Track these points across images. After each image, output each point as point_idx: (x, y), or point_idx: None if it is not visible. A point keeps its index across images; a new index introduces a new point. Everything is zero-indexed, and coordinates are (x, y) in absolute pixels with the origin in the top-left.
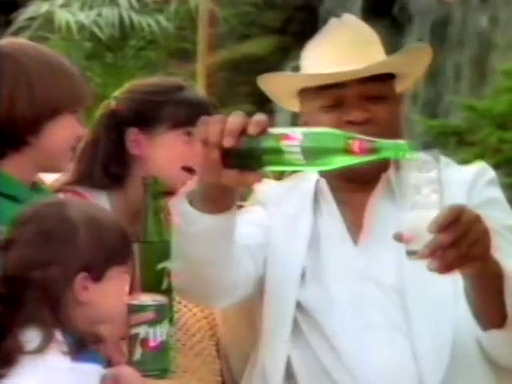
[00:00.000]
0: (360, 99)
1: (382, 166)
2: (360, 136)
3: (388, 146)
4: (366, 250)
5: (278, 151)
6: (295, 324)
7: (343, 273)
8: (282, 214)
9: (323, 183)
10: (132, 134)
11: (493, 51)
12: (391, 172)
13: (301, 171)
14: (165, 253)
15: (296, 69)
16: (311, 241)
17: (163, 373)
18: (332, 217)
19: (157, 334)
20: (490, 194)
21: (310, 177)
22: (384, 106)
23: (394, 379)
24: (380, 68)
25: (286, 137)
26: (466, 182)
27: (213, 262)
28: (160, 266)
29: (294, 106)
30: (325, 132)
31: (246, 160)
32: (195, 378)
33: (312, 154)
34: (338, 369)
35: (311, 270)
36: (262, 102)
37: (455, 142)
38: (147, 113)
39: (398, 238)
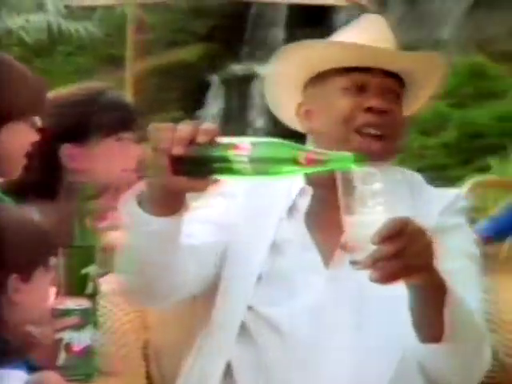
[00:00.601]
0: (383, 89)
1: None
2: (307, 148)
3: (335, 158)
4: (337, 270)
5: (227, 160)
6: (242, 326)
7: (304, 281)
8: (252, 207)
9: (308, 190)
10: (66, 150)
11: None
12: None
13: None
14: (89, 257)
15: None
16: (275, 244)
17: (88, 377)
18: (301, 225)
19: (81, 339)
20: (459, 221)
21: (296, 178)
22: (398, 106)
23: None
24: (419, 60)
25: (234, 146)
26: (441, 204)
27: (158, 264)
28: (84, 270)
29: (290, 97)
30: (273, 142)
31: (194, 167)
32: (120, 382)
33: (260, 163)
34: (288, 370)
35: (269, 274)
36: (191, 109)
37: None
38: (77, 126)
39: (344, 247)
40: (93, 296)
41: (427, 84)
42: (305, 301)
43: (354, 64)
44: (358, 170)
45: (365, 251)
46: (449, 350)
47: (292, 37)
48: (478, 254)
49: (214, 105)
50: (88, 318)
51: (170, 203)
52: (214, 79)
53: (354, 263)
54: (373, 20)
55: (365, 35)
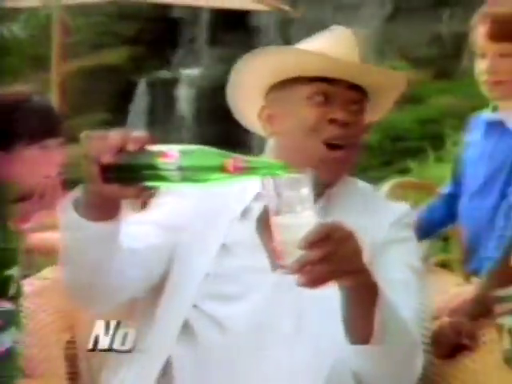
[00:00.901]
0: (348, 101)
1: (331, 181)
2: (235, 155)
3: (262, 165)
4: (282, 276)
5: (155, 168)
6: (185, 324)
7: (251, 283)
8: (204, 208)
9: (263, 196)
10: None
11: None
12: (335, 190)
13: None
14: (11, 259)
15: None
16: (225, 246)
17: (10, 379)
18: (252, 229)
19: (3, 341)
20: (407, 235)
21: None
22: (361, 117)
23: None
24: (385, 74)
25: (163, 154)
26: (392, 217)
27: (95, 268)
28: (7, 272)
29: (251, 99)
30: (201, 150)
31: (124, 175)
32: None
33: (188, 171)
34: (227, 369)
35: (217, 274)
36: (117, 111)
37: None
38: (0, 134)
39: (273, 252)
40: (16, 298)
41: (389, 97)
42: (249, 302)
43: (321, 74)
44: (285, 176)
45: (293, 256)
46: (377, 352)
47: (215, 40)
48: (422, 268)
49: (141, 107)
50: (10, 320)
51: (104, 209)
52: (141, 82)
53: (282, 268)
54: (341, 33)
55: (333, 47)
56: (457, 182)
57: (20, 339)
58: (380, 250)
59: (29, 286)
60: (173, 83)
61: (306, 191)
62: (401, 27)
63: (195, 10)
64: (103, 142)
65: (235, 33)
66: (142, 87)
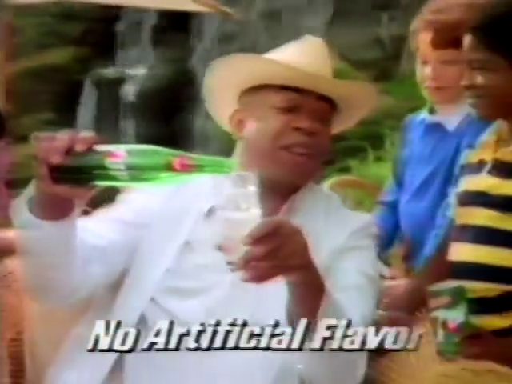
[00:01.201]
0: (314, 111)
1: (298, 184)
2: (182, 153)
3: (208, 163)
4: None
5: (104, 168)
6: (142, 318)
7: (210, 280)
8: (171, 206)
9: None
10: None
11: None
12: (300, 195)
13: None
14: None
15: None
16: (188, 243)
17: None
18: (216, 227)
19: None
20: (365, 244)
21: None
22: (327, 128)
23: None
24: (353, 87)
25: (110, 154)
26: (352, 226)
27: (52, 266)
28: None
29: (223, 103)
30: (148, 149)
31: (73, 175)
32: None
33: (135, 170)
34: (180, 364)
35: (177, 271)
36: (64, 110)
37: None
38: None
39: (219, 248)
40: None
41: (359, 109)
42: (206, 299)
43: (289, 84)
44: (231, 174)
45: (239, 252)
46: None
47: (159, 41)
48: (377, 277)
49: (87, 106)
50: None
51: (57, 208)
52: (86, 82)
53: (229, 264)
54: (312, 43)
55: (303, 57)
56: (399, 186)
57: None
58: (337, 256)
59: None
60: (118, 82)
61: (252, 189)
62: (342, 30)
63: (140, 11)
64: (51, 143)
65: (178, 34)
66: (87, 87)
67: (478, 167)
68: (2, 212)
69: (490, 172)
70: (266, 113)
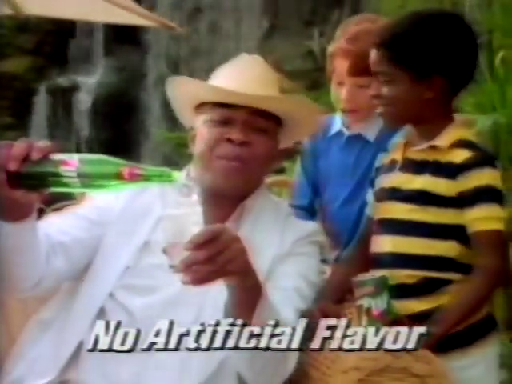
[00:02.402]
0: (245, 125)
1: (242, 192)
2: (131, 164)
3: (154, 173)
4: None
5: (58, 175)
6: (101, 311)
7: (164, 278)
8: (134, 207)
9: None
10: None
11: None
12: (249, 202)
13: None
14: None
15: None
16: (147, 243)
17: None
18: None
19: None
20: (309, 251)
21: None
22: (262, 138)
23: (159, 373)
24: (272, 102)
25: (64, 162)
26: (298, 234)
27: (15, 263)
28: None
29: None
30: (99, 159)
31: (30, 182)
32: None
33: (87, 178)
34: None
35: (135, 268)
36: (20, 115)
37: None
38: None
39: (164, 251)
40: None
41: (301, 123)
42: (159, 296)
43: (220, 101)
44: (176, 184)
45: (180, 256)
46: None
47: (109, 51)
48: (317, 283)
49: (41, 112)
50: None
51: (16, 211)
52: (41, 89)
53: (171, 267)
54: (248, 62)
55: (238, 75)
56: (314, 192)
57: None
58: (281, 260)
59: None
60: (71, 90)
61: (194, 197)
62: (277, 43)
63: (91, 24)
64: (9, 151)
65: (127, 45)
66: (42, 94)
67: (390, 167)
68: None
69: (400, 169)
70: (205, 127)
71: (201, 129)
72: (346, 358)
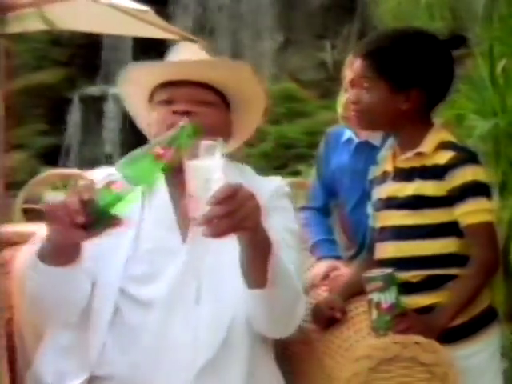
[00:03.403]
0: (187, 98)
1: None
2: (153, 143)
3: (178, 137)
4: (191, 246)
5: (117, 199)
6: (117, 311)
7: (164, 260)
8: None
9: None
10: None
11: None
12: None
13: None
14: None
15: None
16: (137, 230)
17: None
18: (162, 210)
19: None
20: (283, 203)
21: None
22: (207, 108)
23: (175, 353)
24: (198, 67)
25: (111, 184)
26: (269, 190)
27: (61, 303)
28: None
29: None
30: (132, 158)
31: (105, 220)
32: None
33: (135, 178)
34: (146, 339)
35: (135, 257)
36: (54, 122)
37: None
38: None
39: (184, 206)
40: None
41: (249, 97)
42: (163, 281)
43: (162, 80)
44: (202, 142)
45: (202, 211)
46: (270, 295)
47: (138, 61)
48: (298, 229)
49: (74, 119)
50: None
51: (68, 255)
52: (74, 98)
53: (192, 220)
54: (186, 46)
55: (175, 57)
56: (326, 192)
57: None
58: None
59: None
60: (101, 99)
61: (218, 156)
62: (291, 55)
63: (119, 37)
64: (67, 210)
65: (154, 56)
66: (75, 103)
67: (383, 178)
68: None
69: (393, 179)
70: (155, 109)
71: (152, 114)
72: (358, 348)
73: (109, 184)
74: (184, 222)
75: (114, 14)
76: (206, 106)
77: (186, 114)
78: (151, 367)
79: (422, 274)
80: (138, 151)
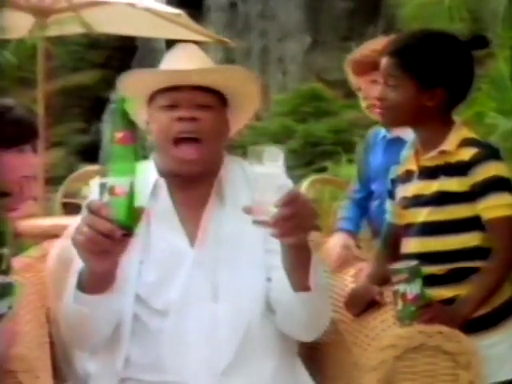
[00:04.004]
0: (190, 103)
1: (209, 169)
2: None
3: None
4: (200, 249)
5: (129, 198)
6: (136, 318)
7: (175, 264)
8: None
9: (162, 182)
10: None
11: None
12: (223, 174)
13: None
14: (2, 241)
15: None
16: (145, 236)
17: None
18: (167, 215)
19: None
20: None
21: (149, 174)
22: (210, 112)
23: (198, 352)
24: (201, 74)
25: (113, 190)
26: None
27: (97, 329)
28: None
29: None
30: (106, 155)
31: (129, 222)
32: (25, 339)
33: (121, 174)
34: (165, 340)
35: (146, 264)
36: (91, 121)
37: (241, 153)
38: None
39: (247, 210)
40: (6, 272)
41: (245, 96)
42: (175, 283)
43: (164, 85)
44: (265, 148)
45: (266, 214)
46: (313, 298)
47: None
48: None
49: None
50: (7, 290)
51: (106, 282)
52: (110, 98)
53: (257, 223)
54: (185, 48)
55: (175, 61)
56: (364, 187)
57: (14, 305)
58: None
59: (17, 262)
60: None
61: (281, 162)
62: (318, 56)
63: (153, 39)
64: (97, 232)
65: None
66: (111, 102)
67: (408, 177)
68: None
69: (418, 178)
70: (156, 114)
71: (153, 117)
72: (384, 337)
73: (112, 192)
74: (190, 226)
75: (148, 17)
76: (207, 111)
77: (192, 120)
78: (176, 368)
79: (445, 268)
80: (106, 151)
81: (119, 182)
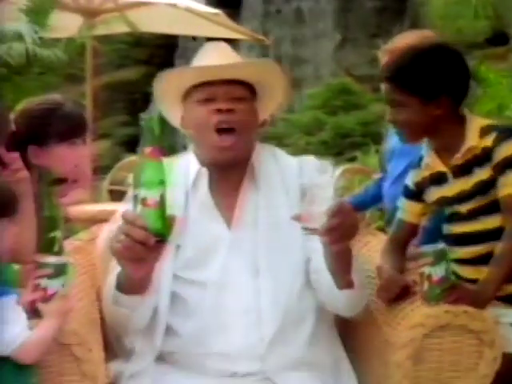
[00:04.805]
0: (227, 96)
1: (243, 156)
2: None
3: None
4: (237, 231)
5: (160, 210)
6: (175, 296)
7: (213, 244)
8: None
9: (204, 171)
10: (31, 150)
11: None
12: (255, 161)
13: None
14: (54, 224)
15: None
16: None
17: None
18: (204, 201)
19: (53, 286)
20: (321, 180)
21: (189, 164)
22: (243, 104)
23: (243, 325)
24: (236, 68)
25: (146, 200)
26: (299, 167)
27: (136, 324)
28: (52, 234)
29: (177, 109)
30: (135, 168)
31: (163, 231)
32: (78, 315)
33: (149, 186)
34: (207, 314)
35: (184, 245)
36: (135, 114)
37: (275, 144)
38: (40, 132)
39: (297, 218)
40: (59, 253)
41: (274, 88)
42: (215, 259)
43: (200, 80)
44: (315, 162)
45: (315, 222)
46: (357, 295)
47: None
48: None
49: (153, 113)
50: (59, 270)
51: (143, 285)
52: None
53: (305, 229)
54: (216, 45)
55: (208, 58)
56: (384, 170)
57: (67, 284)
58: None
59: (68, 245)
60: None
61: (329, 175)
62: (347, 52)
63: (193, 38)
64: (134, 241)
65: None
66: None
67: (440, 178)
68: (85, 190)
69: (454, 177)
70: (193, 108)
71: (190, 111)
72: (413, 316)
73: (144, 203)
74: (227, 212)
75: (189, 16)
76: (242, 102)
77: (229, 111)
78: (219, 340)
79: (476, 250)
80: (135, 165)
81: (150, 194)
